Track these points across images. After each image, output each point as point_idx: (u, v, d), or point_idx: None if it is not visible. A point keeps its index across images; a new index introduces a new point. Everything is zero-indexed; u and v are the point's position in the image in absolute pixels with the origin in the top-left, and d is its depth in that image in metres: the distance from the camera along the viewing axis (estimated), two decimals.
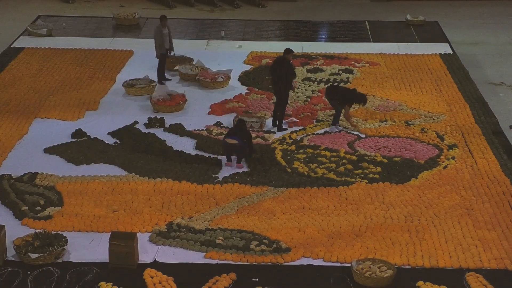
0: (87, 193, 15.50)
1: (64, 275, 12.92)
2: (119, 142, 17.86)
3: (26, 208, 14.89)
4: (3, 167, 16.61)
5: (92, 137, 18.01)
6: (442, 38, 25.37)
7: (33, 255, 13.10)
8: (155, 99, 19.55)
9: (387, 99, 20.25)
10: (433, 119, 19.09)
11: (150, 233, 14.19)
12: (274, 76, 18.50)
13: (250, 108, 19.64)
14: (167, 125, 18.64)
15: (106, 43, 24.51)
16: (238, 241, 13.86)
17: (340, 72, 22.11)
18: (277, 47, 23.39)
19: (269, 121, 18.75)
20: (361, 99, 18.60)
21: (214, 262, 13.42)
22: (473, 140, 17.97)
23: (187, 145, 17.73)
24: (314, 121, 18.96)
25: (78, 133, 18.08)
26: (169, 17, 27.88)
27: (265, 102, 19.95)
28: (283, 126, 18.56)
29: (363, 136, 18.17)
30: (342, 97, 18.44)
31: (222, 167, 16.71)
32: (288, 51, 18.48)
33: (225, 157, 16.97)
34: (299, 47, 24.45)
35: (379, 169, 16.63)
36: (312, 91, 20.72)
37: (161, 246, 13.81)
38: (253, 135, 18.14)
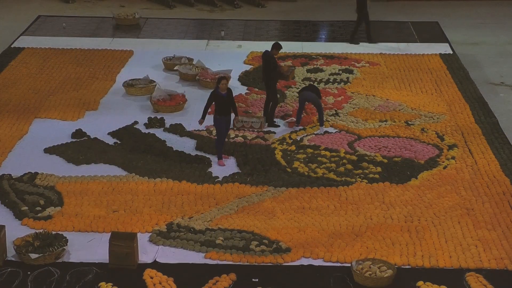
0: (87, 193, 15.51)
1: (64, 276, 12.93)
2: (119, 142, 17.86)
3: (26, 208, 14.89)
4: (3, 167, 16.61)
5: (92, 137, 18.02)
6: (442, 38, 25.37)
7: (33, 255, 13.11)
8: (155, 99, 19.55)
9: (387, 99, 20.26)
10: (433, 119, 19.09)
11: (150, 233, 14.19)
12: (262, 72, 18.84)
13: (250, 108, 19.64)
14: (167, 125, 18.65)
15: (106, 43, 24.52)
16: (238, 241, 13.86)
17: (340, 72, 22.11)
18: None
19: None
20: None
21: (214, 262, 13.42)
22: (473, 140, 17.98)
23: (187, 145, 17.73)
24: (314, 120, 18.95)
25: (78, 133, 18.09)
26: (169, 17, 28.10)
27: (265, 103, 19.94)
28: (277, 124, 18.72)
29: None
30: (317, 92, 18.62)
31: (222, 167, 16.72)
32: (273, 46, 18.56)
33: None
34: (299, 47, 24.46)
35: (379, 169, 16.63)
36: None
37: (161, 246, 13.81)
38: (253, 135, 18.16)
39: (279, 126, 18.68)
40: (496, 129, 18.56)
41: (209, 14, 28.97)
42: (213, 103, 16.66)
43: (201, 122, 16.91)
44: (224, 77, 16.66)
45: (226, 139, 17.42)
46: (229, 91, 16.76)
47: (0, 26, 26.92)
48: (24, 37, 24.99)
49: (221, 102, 16.55)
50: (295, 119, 18.82)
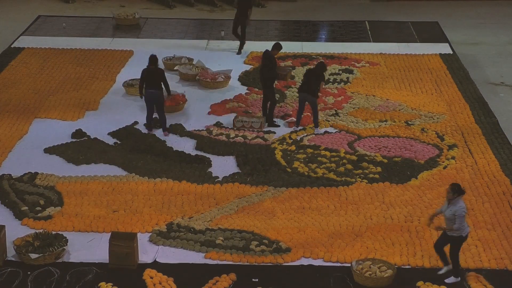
0: (87, 193, 15.51)
1: (64, 276, 12.93)
2: (119, 142, 17.86)
3: (26, 208, 14.89)
4: (3, 167, 16.62)
5: (92, 137, 18.02)
6: (442, 38, 25.36)
7: (33, 255, 13.11)
8: None
9: (387, 99, 20.26)
10: (433, 119, 19.09)
11: (150, 233, 14.20)
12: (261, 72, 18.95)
13: (250, 108, 19.64)
14: (167, 125, 18.63)
15: (106, 43, 24.51)
16: (238, 241, 13.86)
17: (340, 72, 22.11)
18: None
19: None
20: (322, 67, 18.40)
21: (214, 262, 13.43)
22: (473, 140, 17.98)
23: (187, 145, 17.74)
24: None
25: (78, 133, 18.09)
26: (169, 17, 28.08)
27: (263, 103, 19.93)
28: (277, 123, 18.76)
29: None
30: (315, 77, 18.25)
31: (222, 167, 16.73)
32: (274, 46, 18.60)
33: (225, 157, 17.07)
34: (299, 47, 24.45)
35: (379, 169, 16.64)
36: None
37: (161, 246, 13.81)
38: (253, 135, 18.17)
39: (279, 126, 18.69)
40: (496, 129, 18.56)
41: (209, 14, 28.95)
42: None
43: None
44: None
45: (226, 139, 17.50)
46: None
47: (0, 26, 26.92)
48: (24, 37, 24.97)
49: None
50: (295, 119, 18.80)
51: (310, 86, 18.27)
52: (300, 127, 18.54)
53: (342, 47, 24.36)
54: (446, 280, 12.85)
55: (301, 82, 19.12)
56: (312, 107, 18.39)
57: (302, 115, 18.79)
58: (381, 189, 15.84)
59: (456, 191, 12.56)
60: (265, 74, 18.61)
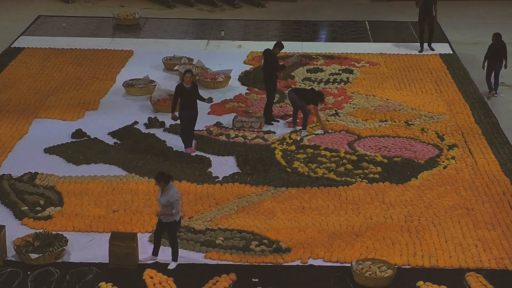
0: (87, 193, 15.51)
1: (64, 276, 12.93)
2: (119, 142, 17.86)
3: (26, 208, 14.89)
4: (3, 167, 16.62)
5: (92, 137, 18.02)
6: (442, 38, 25.34)
7: (33, 255, 13.11)
8: (155, 99, 19.56)
9: (387, 99, 20.26)
10: (433, 119, 19.09)
11: (150, 233, 14.19)
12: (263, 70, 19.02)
13: (250, 108, 19.64)
14: (167, 125, 18.64)
15: (106, 43, 24.51)
16: (238, 241, 13.86)
17: (340, 72, 22.11)
18: None
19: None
20: (320, 97, 18.45)
21: (214, 262, 13.43)
22: (473, 140, 17.98)
23: None
24: (314, 121, 18.94)
25: (78, 133, 18.09)
26: (169, 17, 28.08)
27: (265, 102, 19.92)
28: (273, 122, 18.79)
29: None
30: (306, 97, 18.32)
31: (222, 167, 16.73)
32: (276, 45, 18.61)
33: (225, 157, 17.06)
34: (299, 47, 24.45)
35: (379, 169, 16.63)
36: None
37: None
38: (253, 135, 18.16)
39: (278, 121, 18.67)
40: (496, 129, 18.56)
41: (209, 14, 28.95)
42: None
43: (173, 116, 17.19)
44: (189, 70, 17.06)
45: (226, 139, 17.48)
46: (194, 85, 17.05)
47: (0, 26, 26.92)
48: (24, 37, 24.98)
49: (186, 96, 16.85)
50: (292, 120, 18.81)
51: (302, 91, 18.51)
52: (299, 127, 18.47)
53: (342, 47, 24.36)
54: (169, 267, 13.12)
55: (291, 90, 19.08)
56: (301, 109, 18.34)
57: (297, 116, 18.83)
58: (381, 189, 15.84)
59: (160, 179, 12.89)
60: (268, 73, 18.55)
